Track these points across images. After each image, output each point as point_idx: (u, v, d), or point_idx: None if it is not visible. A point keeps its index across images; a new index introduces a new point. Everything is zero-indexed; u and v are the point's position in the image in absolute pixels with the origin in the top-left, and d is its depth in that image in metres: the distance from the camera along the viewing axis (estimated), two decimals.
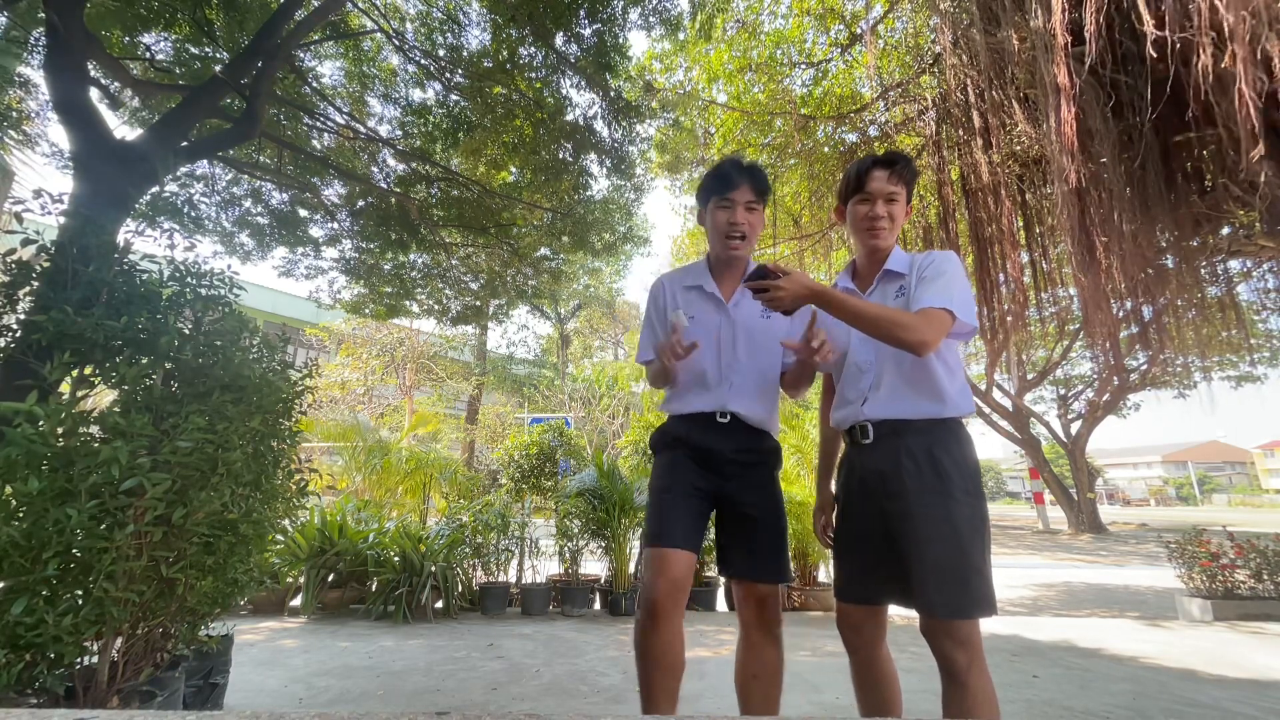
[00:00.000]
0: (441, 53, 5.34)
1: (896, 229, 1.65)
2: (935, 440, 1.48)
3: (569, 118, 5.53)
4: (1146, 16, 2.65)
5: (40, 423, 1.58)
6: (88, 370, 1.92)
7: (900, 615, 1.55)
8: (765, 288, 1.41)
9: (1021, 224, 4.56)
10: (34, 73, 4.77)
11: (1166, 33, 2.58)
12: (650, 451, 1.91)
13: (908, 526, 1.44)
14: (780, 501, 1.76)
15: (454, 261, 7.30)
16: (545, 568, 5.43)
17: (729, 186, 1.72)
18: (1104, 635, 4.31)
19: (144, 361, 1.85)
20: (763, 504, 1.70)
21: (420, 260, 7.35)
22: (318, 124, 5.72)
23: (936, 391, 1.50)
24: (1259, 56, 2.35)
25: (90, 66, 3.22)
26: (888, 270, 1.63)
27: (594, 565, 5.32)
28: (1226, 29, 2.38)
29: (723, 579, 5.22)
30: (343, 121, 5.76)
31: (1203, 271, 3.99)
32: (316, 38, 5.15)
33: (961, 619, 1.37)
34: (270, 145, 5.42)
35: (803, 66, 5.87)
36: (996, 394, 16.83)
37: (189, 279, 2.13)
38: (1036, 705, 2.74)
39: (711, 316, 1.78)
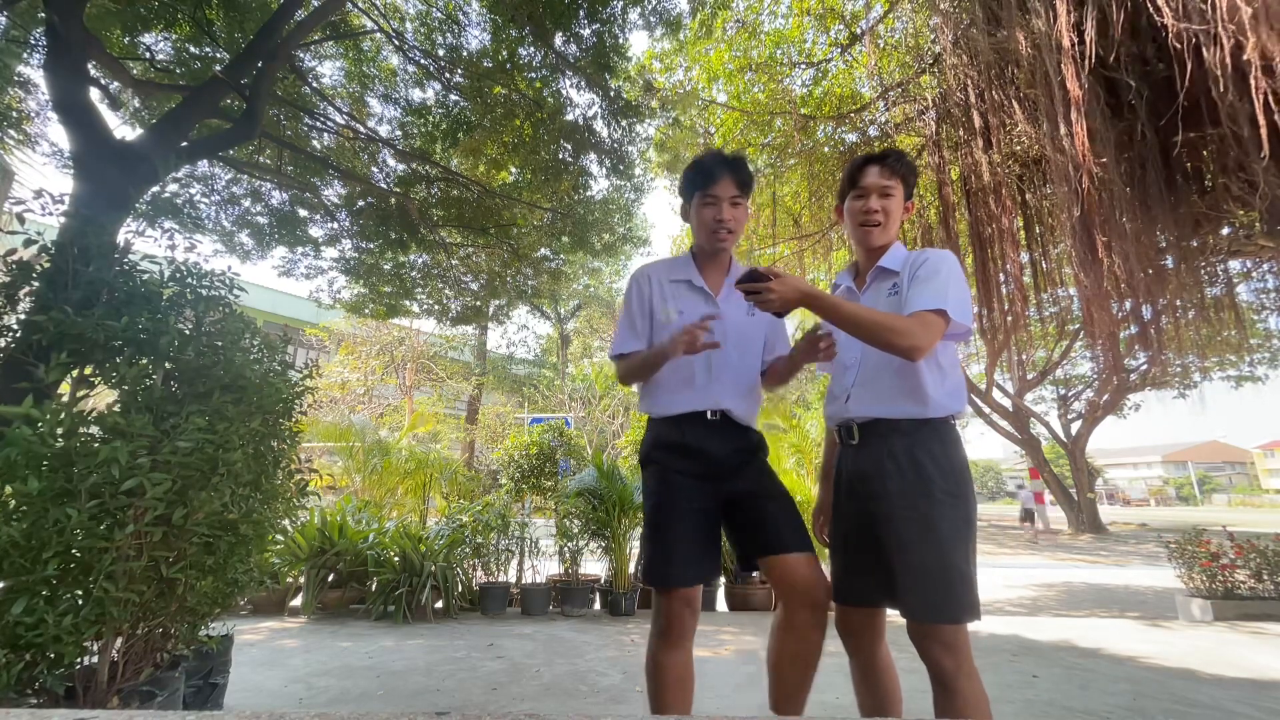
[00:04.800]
0: (441, 53, 5.34)
1: (893, 224, 1.62)
2: (917, 441, 1.47)
3: (569, 118, 5.53)
4: (1166, 9, 2.64)
5: (39, 425, 1.58)
6: (88, 370, 1.92)
7: (899, 615, 1.55)
8: (757, 290, 1.40)
9: (1021, 224, 4.55)
10: (34, 73, 4.77)
11: (1183, 23, 2.57)
12: (640, 465, 1.79)
13: (890, 529, 1.44)
14: (779, 480, 1.73)
15: (454, 261, 7.30)
16: (545, 568, 5.42)
17: (712, 181, 1.66)
18: (1104, 635, 4.30)
19: (144, 362, 1.85)
20: (764, 485, 1.68)
21: (420, 260, 7.34)
22: (318, 124, 5.71)
23: (919, 392, 1.48)
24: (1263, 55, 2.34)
25: (90, 66, 3.22)
26: (881, 267, 1.61)
27: (594, 565, 5.32)
28: (1245, 23, 2.37)
29: (723, 579, 5.23)
30: (343, 121, 5.76)
31: (1203, 271, 3.99)
32: (316, 38, 5.15)
33: (944, 623, 1.36)
34: (270, 145, 5.42)
35: (803, 66, 5.86)
36: (996, 394, 16.83)
37: (189, 279, 2.13)
38: (1036, 705, 2.74)
39: (701, 311, 1.69)
